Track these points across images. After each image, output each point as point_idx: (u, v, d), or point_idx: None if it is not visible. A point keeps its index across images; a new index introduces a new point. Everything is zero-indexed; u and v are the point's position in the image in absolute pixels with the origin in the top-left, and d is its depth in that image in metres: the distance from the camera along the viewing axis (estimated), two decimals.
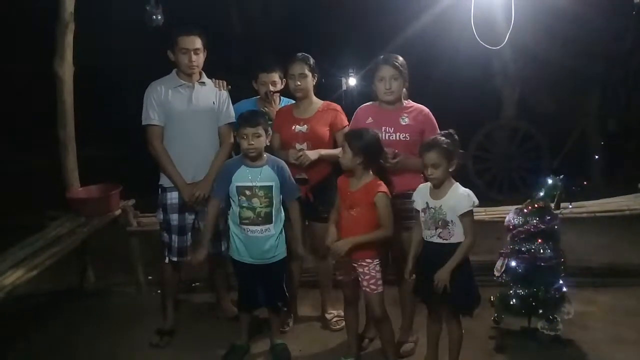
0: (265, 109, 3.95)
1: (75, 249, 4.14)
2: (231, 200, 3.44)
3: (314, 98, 3.78)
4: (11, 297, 3.29)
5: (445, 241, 3.08)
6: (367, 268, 3.22)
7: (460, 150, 3.14)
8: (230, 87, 3.90)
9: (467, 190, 3.09)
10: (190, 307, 4.30)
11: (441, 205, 3.06)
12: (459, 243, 3.06)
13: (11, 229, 4.41)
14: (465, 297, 3.13)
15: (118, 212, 4.46)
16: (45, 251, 3.71)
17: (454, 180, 3.11)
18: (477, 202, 3.06)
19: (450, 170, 3.07)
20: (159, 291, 4.48)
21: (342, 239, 3.20)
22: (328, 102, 3.81)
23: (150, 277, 4.66)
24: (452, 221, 3.05)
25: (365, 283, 3.25)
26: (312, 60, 3.73)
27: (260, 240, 3.42)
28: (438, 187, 3.09)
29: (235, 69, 4.13)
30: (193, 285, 4.62)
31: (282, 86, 3.97)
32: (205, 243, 3.47)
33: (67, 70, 4.27)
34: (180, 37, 3.62)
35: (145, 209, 4.67)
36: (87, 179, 4.57)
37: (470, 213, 3.05)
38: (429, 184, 3.17)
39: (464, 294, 3.11)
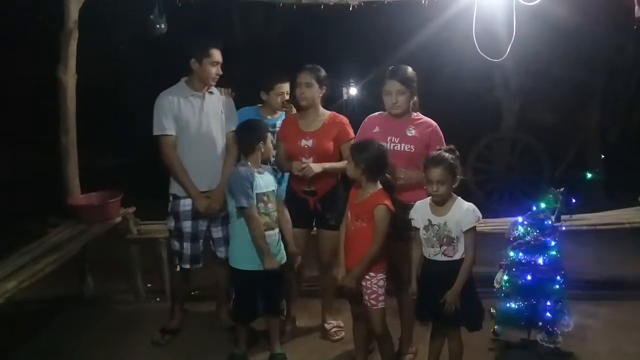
0: (269, 117, 4.00)
1: (75, 256, 4.13)
2: None
3: (321, 110, 3.78)
4: (11, 303, 3.29)
5: (449, 258, 3.06)
6: (369, 282, 3.19)
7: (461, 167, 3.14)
8: (234, 93, 3.98)
9: (471, 204, 3.08)
10: (189, 316, 4.28)
11: (446, 222, 3.04)
12: (462, 259, 3.05)
13: (11, 235, 4.41)
14: (473, 314, 3.12)
15: (118, 219, 4.46)
16: (45, 258, 3.70)
17: (455, 195, 3.10)
18: (481, 216, 3.07)
19: (453, 186, 3.06)
20: (157, 299, 4.49)
21: (346, 274, 3.21)
22: (334, 114, 3.80)
23: (149, 285, 4.66)
24: (457, 237, 3.04)
25: (366, 297, 3.22)
26: (321, 72, 3.73)
27: (274, 243, 3.48)
28: (442, 204, 3.08)
29: (238, 78, 4.15)
30: (192, 293, 4.60)
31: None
32: (268, 252, 3.42)
33: (70, 77, 4.28)
34: (213, 49, 3.70)
35: (145, 217, 4.67)
36: (88, 186, 4.57)
37: (474, 228, 3.05)
38: (427, 200, 3.15)
39: (472, 311, 3.11)
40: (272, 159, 3.85)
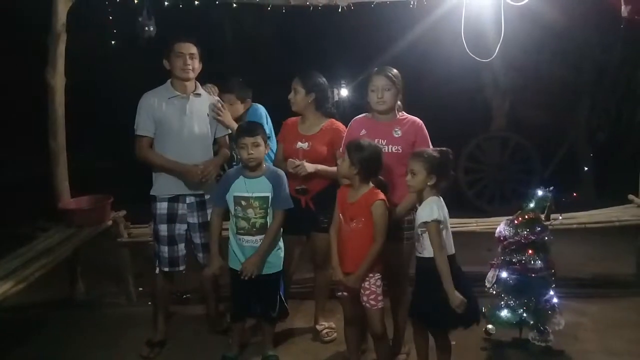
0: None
1: (66, 260, 4.11)
2: (230, 210, 3.46)
3: (320, 115, 3.79)
4: (1, 308, 3.27)
5: (419, 255, 3.12)
6: (367, 282, 3.18)
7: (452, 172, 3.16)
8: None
9: (434, 202, 3.03)
10: (181, 319, 4.27)
11: (416, 217, 3.11)
12: (430, 258, 3.02)
13: (1, 240, 4.38)
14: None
15: (109, 223, 4.44)
16: (35, 262, 3.68)
17: (434, 196, 3.07)
18: (437, 217, 2.98)
19: (428, 183, 3.04)
20: (149, 302, 4.46)
21: (349, 276, 3.16)
22: (333, 120, 3.80)
23: (140, 289, 4.65)
24: (420, 233, 3.07)
25: (365, 298, 3.20)
26: (311, 79, 3.74)
27: (249, 250, 3.42)
28: (419, 199, 3.12)
29: (226, 81, 4.15)
30: (184, 296, 4.60)
31: (244, 108, 4.11)
32: (215, 254, 3.47)
33: (58, 80, 4.26)
34: (176, 43, 3.66)
35: (136, 220, 4.66)
36: (78, 190, 4.54)
37: (430, 226, 2.99)
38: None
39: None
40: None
